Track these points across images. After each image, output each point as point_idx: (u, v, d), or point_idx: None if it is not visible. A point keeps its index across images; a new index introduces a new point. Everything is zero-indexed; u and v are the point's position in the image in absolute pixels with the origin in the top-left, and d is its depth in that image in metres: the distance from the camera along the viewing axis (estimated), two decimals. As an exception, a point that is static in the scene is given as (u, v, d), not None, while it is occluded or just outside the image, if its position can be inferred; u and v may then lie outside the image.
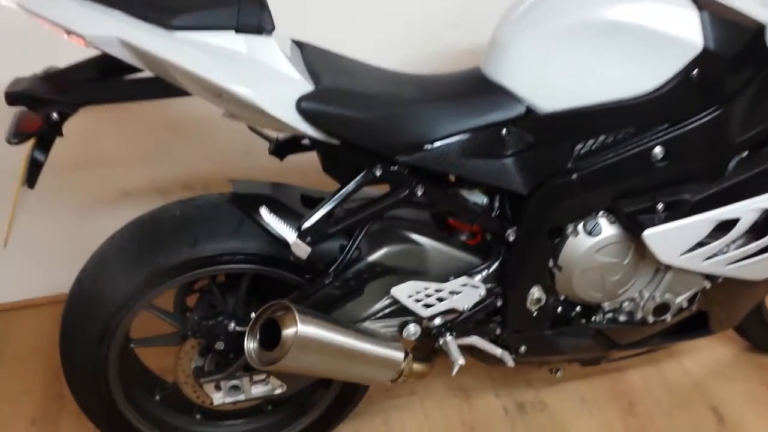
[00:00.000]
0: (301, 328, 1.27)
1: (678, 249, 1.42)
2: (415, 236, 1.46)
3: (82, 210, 2.11)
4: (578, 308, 1.57)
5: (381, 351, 1.41)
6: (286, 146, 1.57)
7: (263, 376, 1.49)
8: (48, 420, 1.85)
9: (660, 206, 1.40)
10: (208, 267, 1.40)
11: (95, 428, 1.78)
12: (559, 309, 1.57)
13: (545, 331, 1.57)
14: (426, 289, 1.43)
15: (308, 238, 1.30)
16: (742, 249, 1.46)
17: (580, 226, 1.45)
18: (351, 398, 1.68)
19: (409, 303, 1.43)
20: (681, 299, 1.55)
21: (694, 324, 1.70)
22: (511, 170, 1.39)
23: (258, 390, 1.50)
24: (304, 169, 1.62)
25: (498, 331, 1.55)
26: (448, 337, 1.48)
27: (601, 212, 1.45)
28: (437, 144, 1.33)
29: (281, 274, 1.45)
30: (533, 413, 1.86)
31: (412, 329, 1.46)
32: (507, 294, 1.50)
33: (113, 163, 2.04)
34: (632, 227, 1.41)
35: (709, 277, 1.53)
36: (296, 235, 1.29)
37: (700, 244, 1.43)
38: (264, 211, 1.30)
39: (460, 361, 1.46)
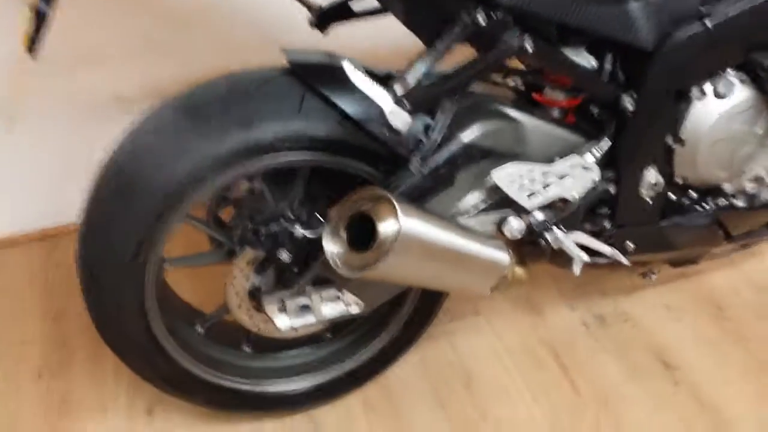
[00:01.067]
0: (404, 222, 1.01)
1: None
2: (512, 111, 1.20)
3: (70, 125, 1.77)
4: (694, 193, 1.34)
5: (487, 252, 1.15)
6: (331, 14, 1.28)
7: (335, 294, 1.23)
8: (56, 372, 1.57)
9: (806, 55, 1.17)
10: (264, 155, 1.11)
11: (115, 375, 1.52)
12: (674, 196, 1.33)
13: (657, 222, 1.34)
14: (530, 171, 1.18)
15: (407, 105, 1.03)
16: None
17: (708, 88, 1.20)
18: (424, 319, 1.43)
19: (512, 190, 1.17)
20: (814, 174, 1.33)
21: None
22: (636, 19, 1.13)
23: (330, 310, 1.23)
24: (352, 46, 1.33)
25: (606, 226, 1.31)
26: (559, 233, 1.23)
27: (731, 71, 1.20)
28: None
29: (351, 165, 1.17)
30: (617, 325, 1.65)
31: (515, 224, 1.21)
32: (620, 180, 1.26)
33: (104, 60, 1.69)
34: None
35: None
36: (393, 99, 1.01)
37: None
38: (349, 68, 1.01)
39: (583, 257, 1.22)
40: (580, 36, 1.18)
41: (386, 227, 1.02)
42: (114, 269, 1.13)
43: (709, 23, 1.13)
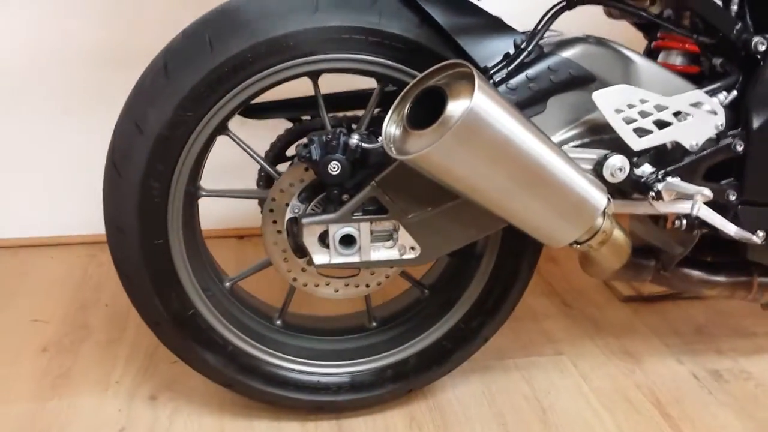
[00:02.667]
0: (479, 100, 0.81)
1: None
2: (625, 49, 1.03)
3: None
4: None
5: (579, 182, 0.92)
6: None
7: (389, 231, 1.01)
8: (63, 349, 1.37)
9: None
10: (327, 54, 0.97)
11: (126, 362, 1.32)
12: (817, 176, 1.08)
13: (797, 207, 1.07)
14: (643, 102, 0.97)
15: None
16: None
17: None
18: (498, 306, 1.16)
19: (617, 122, 0.97)
20: None
21: None
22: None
23: (380, 253, 1.01)
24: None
25: (731, 198, 1.06)
26: (675, 180, 0.99)
27: None
28: None
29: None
30: (736, 382, 1.32)
31: (617, 162, 0.98)
32: (749, 137, 1.03)
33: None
34: None
35: None
36: None
37: None
38: None
39: (705, 191, 0.97)
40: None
41: (457, 104, 0.83)
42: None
43: None
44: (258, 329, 1.14)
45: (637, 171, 1.01)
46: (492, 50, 0.99)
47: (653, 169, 1.01)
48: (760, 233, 1.07)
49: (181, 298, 1.05)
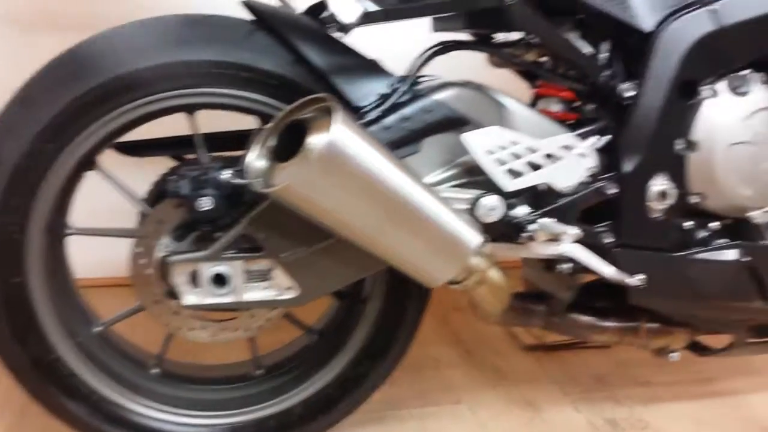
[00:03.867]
0: (339, 132, 0.81)
1: None
2: (498, 95, 1.05)
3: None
4: (714, 224, 1.11)
5: (449, 220, 0.92)
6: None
7: (264, 270, 0.98)
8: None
9: (836, 44, 1.02)
10: (197, 88, 0.97)
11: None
12: (689, 222, 1.11)
13: (672, 250, 1.09)
14: (514, 144, 0.99)
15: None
16: None
17: (722, 84, 1.05)
18: (383, 352, 1.13)
19: (488, 163, 0.98)
20: None
21: None
22: (632, -3, 1.03)
23: (255, 292, 0.98)
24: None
25: (608, 240, 1.07)
26: (548, 221, 1.00)
27: (749, 68, 1.06)
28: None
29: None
30: (632, 430, 1.31)
31: (490, 202, 0.99)
32: (621, 181, 1.05)
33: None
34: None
35: None
36: None
37: None
38: None
39: (570, 230, 0.97)
40: (571, 15, 1.08)
41: (318, 137, 0.83)
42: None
43: (715, 6, 1.02)
44: (131, 377, 1.09)
45: (513, 212, 1.02)
46: (366, 90, 1.00)
47: (529, 211, 1.02)
48: (640, 276, 1.09)
49: (41, 342, 0.99)
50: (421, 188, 0.91)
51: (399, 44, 1.12)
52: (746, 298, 1.13)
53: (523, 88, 1.26)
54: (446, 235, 0.93)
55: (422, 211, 0.90)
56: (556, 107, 1.15)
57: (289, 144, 0.85)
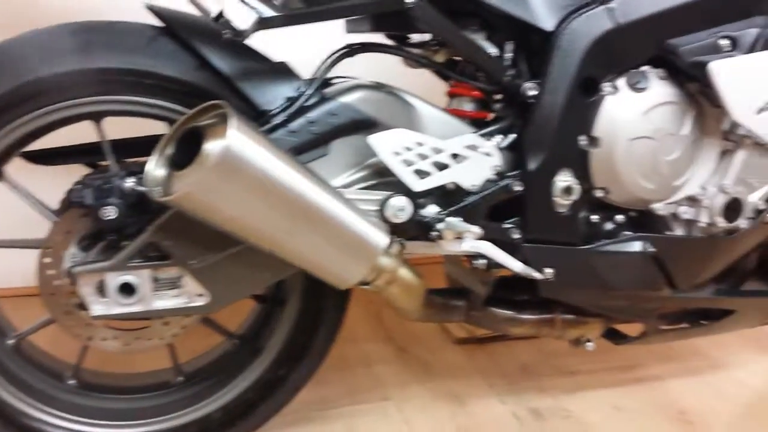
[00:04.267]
0: (235, 138, 0.82)
1: (751, 100, 1.06)
2: (407, 95, 1.07)
3: None
4: (620, 216, 1.15)
5: (354, 222, 0.94)
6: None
7: (174, 278, 0.98)
8: None
9: (724, 42, 1.06)
10: (101, 96, 0.96)
11: None
12: (595, 215, 1.14)
13: (579, 243, 1.13)
14: (420, 145, 1.01)
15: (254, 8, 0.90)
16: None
17: (622, 81, 1.08)
18: (303, 355, 1.14)
19: (395, 164, 1.00)
20: (757, 196, 1.15)
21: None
22: (531, -3, 1.05)
23: (165, 300, 0.98)
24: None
25: (516, 237, 1.10)
26: (455, 221, 1.02)
27: (647, 64, 1.09)
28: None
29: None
30: (554, 420, 1.35)
31: (398, 203, 1.01)
32: (527, 178, 1.08)
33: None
34: (691, 68, 1.05)
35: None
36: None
37: (782, 102, 1.08)
38: None
39: (473, 228, 1.00)
40: (474, 19, 1.10)
41: (214, 144, 0.83)
42: None
43: (613, 4, 1.05)
44: (45, 389, 1.07)
45: (423, 212, 1.04)
46: (274, 95, 1.01)
47: (438, 210, 1.04)
48: (548, 270, 1.12)
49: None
50: (326, 191, 0.92)
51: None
52: (653, 288, 1.17)
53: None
54: (352, 237, 0.94)
55: (326, 214, 0.91)
56: (468, 106, 1.17)
57: (188, 151, 0.85)
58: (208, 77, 1.00)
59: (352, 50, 1.07)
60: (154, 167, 0.86)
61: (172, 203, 0.84)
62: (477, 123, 1.13)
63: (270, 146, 0.87)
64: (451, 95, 1.20)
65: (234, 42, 1.00)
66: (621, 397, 1.43)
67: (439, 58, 1.15)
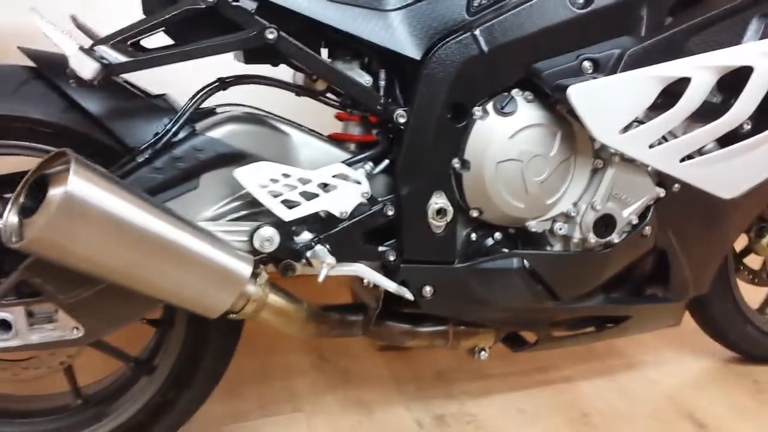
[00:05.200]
0: (75, 184, 0.85)
1: (615, 120, 1.09)
2: (280, 123, 1.11)
3: None
4: (498, 234, 1.19)
5: (212, 252, 0.97)
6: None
7: (49, 312, 1.02)
8: None
9: (586, 64, 1.09)
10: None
11: None
12: (473, 234, 1.18)
13: (456, 262, 1.16)
14: (286, 176, 1.04)
15: (102, 56, 0.93)
16: (696, 133, 1.13)
17: (490, 105, 1.11)
18: (191, 377, 1.18)
19: (263, 196, 1.03)
20: (629, 211, 1.18)
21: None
22: (398, 26, 1.08)
23: (42, 335, 1.02)
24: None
25: (392, 258, 1.14)
26: (318, 247, 1.06)
27: (515, 88, 1.12)
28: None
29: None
30: (457, 426, 1.39)
31: (266, 233, 1.05)
32: (400, 202, 1.12)
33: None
34: (554, 91, 1.08)
35: (662, 183, 1.19)
36: (78, 47, 0.91)
37: (643, 122, 1.11)
38: (38, 20, 0.93)
39: (329, 260, 1.04)
40: (347, 49, 1.13)
41: (57, 190, 0.87)
42: None
43: (476, 32, 1.08)
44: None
45: (297, 239, 1.08)
46: (142, 132, 1.04)
47: (311, 237, 1.08)
48: (427, 288, 1.15)
49: None
50: (183, 226, 0.96)
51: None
52: (534, 300, 1.21)
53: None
54: (213, 269, 0.98)
55: (183, 249, 0.95)
56: (356, 129, 1.21)
57: (39, 199, 0.89)
58: (77, 118, 1.02)
59: (224, 84, 1.10)
60: (9, 215, 0.89)
61: (25, 249, 0.88)
62: (364, 145, 1.17)
63: (117, 188, 0.90)
64: (340, 119, 1.23)
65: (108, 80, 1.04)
66: (527, 400, 1.47)
67: (319, 86, 1.18)
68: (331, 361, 1.63)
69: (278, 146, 1.09)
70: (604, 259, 1.20)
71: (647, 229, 1.21)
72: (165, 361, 1.17)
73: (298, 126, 1.13)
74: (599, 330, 1.37)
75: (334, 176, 1.07)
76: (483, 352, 1.32)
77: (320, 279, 1.03)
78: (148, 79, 1.11)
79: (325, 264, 1.03)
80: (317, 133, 1.15)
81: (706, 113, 1.11)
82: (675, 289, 1.31)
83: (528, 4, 1.08)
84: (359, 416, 1.42)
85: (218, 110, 1.13)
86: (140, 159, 1.01)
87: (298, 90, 1.16)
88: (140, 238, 0.91)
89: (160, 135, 1.03)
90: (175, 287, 0.97)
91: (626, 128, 1.10)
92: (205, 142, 1.04)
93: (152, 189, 1.01)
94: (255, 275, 1.03)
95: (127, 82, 1.13)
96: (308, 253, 1.05)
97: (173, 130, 1.03)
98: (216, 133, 1.05)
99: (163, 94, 1.12)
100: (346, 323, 1.26)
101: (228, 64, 1.17)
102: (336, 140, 1.18)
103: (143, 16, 1.03)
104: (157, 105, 1.08)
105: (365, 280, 1.17)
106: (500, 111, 1.11)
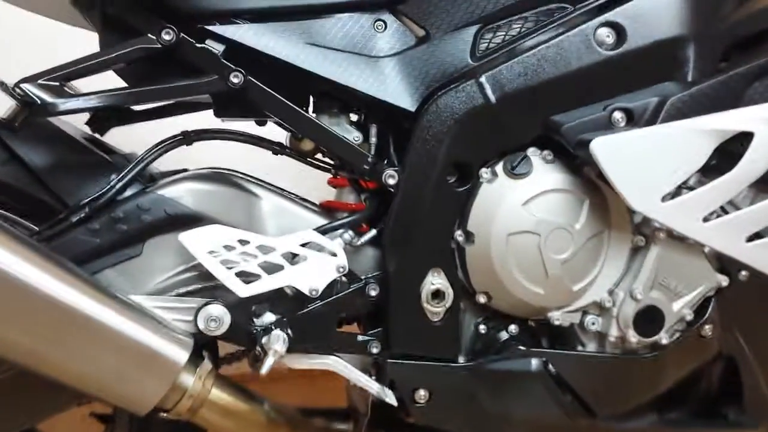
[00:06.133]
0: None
1: (655, 184, 0.86)
2: (248, 184, 0.95)
3: None
4: (513, 327, 0.96)
5: (138, 333, 0.79)
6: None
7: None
8: None
9: (618, 115, 0.88)
10: None
11: None
12: (483, 326, 0.95)
13: (459, 359, 0.93)
14: (243, 243, 0.86)
15: (26, 94, 0.80)
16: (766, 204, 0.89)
17: (499, 166, 0.91)
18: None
19: (213, 266, 0.85)
20: (681, 304, 0.92)
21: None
22: (390, 73, 0.92)
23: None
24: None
25: (376, 351, 0.92)
26: (277, 332, 0.86)
27: (530, 146, 0.92)
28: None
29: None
30: None
31: (213, 312, 0.86)
32: (387, 280, 0.91)
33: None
34: (576, 147, 0.87)
35: (724, 269, 0.93)
36: None
37: (693, 188, 0.88)
38: None
39: (276, 346, 0.83)
40: (334, 101, 0.97)
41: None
42: None
43: (482, 80, 0.90)
44: None
45: (256, 321, 0.89)
46: (90, 190, 0.89)
47: (274, 319, 0.89)
48: (422, 392, 0.92)
49: None
50: (99, 297, 0.79)
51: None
52: (561, 416, 0.95)
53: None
54: (137, 352, 0.79)
55: (97, 324, 0.77)
56: (350, 197, 1.03)
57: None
58: (18, 172, 0.90)
59: (188, 138, 0.96)
60: None
61: None
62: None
63: (27, 255, 0.75)
64: (333, 185, 1.07)
65: (58, 133, 0.93)
66: None
67: (306, 146, 1.03)
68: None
69: (244, 211, 0.92)
70: (652, 365, 0.94)
71: (707, 329, 0.94)
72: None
73: (277, 190, 0.97)
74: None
75: (302, 245, 0.88)
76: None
77: (263, 371, 0.82)
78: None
79: (271, 351, 0.83)
80: (302, 199, 0.99)
81: (778, 179, 0.87)
82: (750, 408, 1.02)
83: (545, 45, 0.89)
84: None
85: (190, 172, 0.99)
86: (74, 218, 0.86)
87: (278, 149, 1.01)
88: (41, 307, 0.75)
89: (102, 192, 0.88)
90: (91, 373, 0.79)
91: (671, 195, 0.87)
92: (153, 201, 0.88)
93: (86, 253, 0.86)
94: (195, 364, 0.84)
95: (95, 140, 1.02)
96: (263, 339, 0.86)
97: (117, 186, 0.88)
98: (167, 191, 0.89)
99: (130, 153, 1.00)
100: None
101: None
102: (327, 209, 1.01)
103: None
104: (113, 163, 0.95)
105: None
106: (511, 172, 0.90)
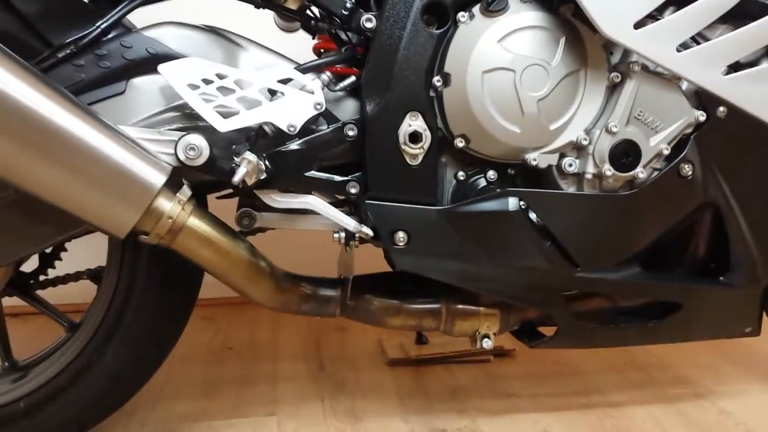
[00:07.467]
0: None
1: (627, 11, 0.86)
2: (229, 35, 0.97)
3: None
4: (492, 172, 0.96)
5: (119, 153, 0.81)
6: None
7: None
8: None
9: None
10: None
11: None
12: (461, 172, 0.96)
13: (437, 202, 0.94)
14: (221, 77, 0.88)
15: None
16: (741, 35, 0.88)
17: (476, 8, 0.92)
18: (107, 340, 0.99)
19: (193, 99, 0.87)
20: (657, 139, 0.92)
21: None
22: None
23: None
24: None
25: (354, 191, 0.93)
26: (253, 155, 0.88)
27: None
28: None
29: None
30: (458, 440, 1.11)
31: (191, 140, 0.87)
32: (365, 122, 0.92)
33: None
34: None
35: (701, 105, 0.93)
36: None
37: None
38: None
39: (250, 156, 0.85)
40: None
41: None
42: None
43: None
44: None
45: (237, 159, 0.90)
46: (68, 30, 0.92)
47: (244, 146, 0.90)
48: (401, 234, 0.93)
49: None
50: (86, 118, 0.81)
51: None
52: (539, 261, 0.95)
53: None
54: (117, 172, 0.81)
55: (79, 142, 0.80)
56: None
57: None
58: (6, 17, 0.93)
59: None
60: None
61: None
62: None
63: (16, 71, 0.78)
64: (316, 51, 1.09)
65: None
66: (557, 423, 1.16)
67: (292, 5, 1.04)
68: (329, 371, 1.39)
69: (226, 57, 0.94)
70: (630, 204, 0.94)
71: (686, 168, 0.93)
72: (90, 319, 1.00)
73: (259, 44, 0.99)
74: (639, 326, 1.07)
75: (280, 81, 0.90)
76: (486, 340, 1.05)
77: (235, 179, 0.84)
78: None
79: (245, 161, 0.85)
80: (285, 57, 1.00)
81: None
82: (737, 266, 1.01)
83: None
84: (344, 424, 1.16)
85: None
86: (61, 54, 0.89)
87: (260, 2, 1.01)
88: (33, 121, 0.78)
89: (88, 31, 0.91)
90: (73, 189, 0.81)
91: (640, 23, 0.87)
92: (135, 39, 0.91)
93: (72, 88, 0.88)
94: (174, 189, 0.86)
95: None
96: (236, 160, 0.87)
97: (103, 27, 0.91)
98: (150, 32, 0.92)
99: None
100: (320, 298, 1.05)
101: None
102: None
103: None
104: (101, 11, 0.97)
105: (335, 235, 0.97)
106: (487, 10, 0.91)
